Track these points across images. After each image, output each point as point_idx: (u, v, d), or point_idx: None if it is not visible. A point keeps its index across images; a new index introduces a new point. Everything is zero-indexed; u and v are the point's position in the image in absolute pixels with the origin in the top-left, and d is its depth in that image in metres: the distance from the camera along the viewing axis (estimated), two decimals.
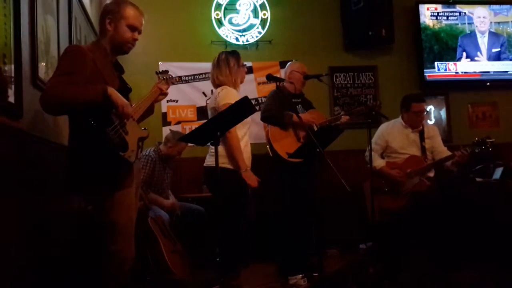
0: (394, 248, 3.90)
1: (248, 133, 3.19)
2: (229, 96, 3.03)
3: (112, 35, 2.23)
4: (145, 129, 2.31)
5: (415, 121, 3.99)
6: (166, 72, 2.56)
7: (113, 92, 2.02)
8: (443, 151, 3.96)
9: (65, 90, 1.94)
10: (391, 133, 4.06)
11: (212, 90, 4.98)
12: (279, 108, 3.65)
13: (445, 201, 3.89)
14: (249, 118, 3.09)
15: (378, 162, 3.99)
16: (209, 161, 3.09)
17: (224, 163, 3.01)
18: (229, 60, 3.20)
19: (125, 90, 2.20)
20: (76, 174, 2.03)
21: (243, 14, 5.14)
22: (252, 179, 3.00)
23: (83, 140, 2.00)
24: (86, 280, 2.19)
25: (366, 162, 3.98)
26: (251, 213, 3.25)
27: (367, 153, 4.02)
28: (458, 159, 3.78)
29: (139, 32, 2.29)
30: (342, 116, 3.90)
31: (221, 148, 2.91)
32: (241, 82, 3.29)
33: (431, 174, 3.98)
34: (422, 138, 4.01)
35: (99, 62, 2.14)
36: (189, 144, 3.80)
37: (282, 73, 4.40)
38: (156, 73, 2.54)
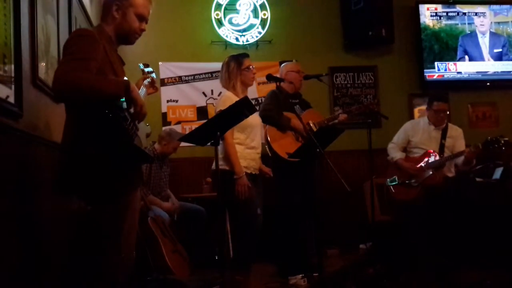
0: (396, 246, 3.92)
1: (253, 137, 3.16)
2: (224, 103, 2.99)
3: (119, 23, 2.07)
4: (147, 125, 2.27)
5: (437, 120, 4.10)
6: (147, 65, 2.47)
7: (134, 88, 1.89)
8: None
9: (86, 78, 1.75)
10: (414, 128, 4.19)
11: (212, 90, 5.04)
12: (277, 108, 3.66)
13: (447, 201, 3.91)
14: (254, 122, 3.10)
15: (395, 155, 4.14)
16: (219, 164, 3.06)
17: (222, 165, 3.02)
18: (229, 64, 3.20)
19: None
20: (80, 174, 1.83)
21: (243, 14, 5.14)
22: (241, 189, 2.96)
23: (95, 136, 1.80)
24: (85, 282, 2.16)
25: (388, 154, 4.19)
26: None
27: (388, 146, 4.21)
28: (467, 156, 3.85)
29: (146, 22, 2.14)
30: (340, 115, 3.93)
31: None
32: (247, 84, 3.23)
33: (451, 174, 4.01)
34: (443, 136, 4.10)
35: (108, 50, 1.98)
36: (189, 144, 3.80)
37: (281, 72, 4.40)
38: (140, 66, 2.44)
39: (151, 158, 2.03)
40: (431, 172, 3.94)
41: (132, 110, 1.93)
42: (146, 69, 2.41)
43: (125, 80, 1.89)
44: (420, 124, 4.20)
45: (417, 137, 4.13)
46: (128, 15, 2.07)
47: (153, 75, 2.41)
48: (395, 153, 4.15)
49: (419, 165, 3.99)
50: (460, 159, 3.95)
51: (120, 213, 1.97)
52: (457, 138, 4.13)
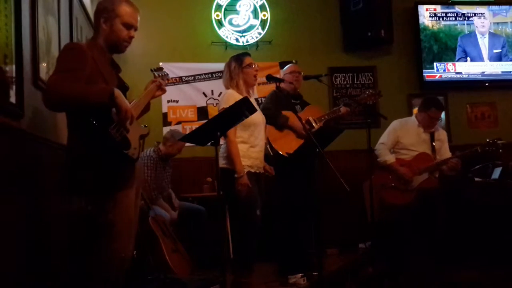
0: (395, 246, 3.92)
1: (257, 134, 3.15)
2: (227, 100, 3.00)
3: (108, 34, 2.18)
4: (145, 126, 2.31)
5: (428, 124, 4.07)
6: (161, 69, 2.57)
7: (119, 94, 1.98)
8: (447, 156, 4.03)
9: (71, 87, 1.89)
10: (403, 129, 4.13)
11: (212, 91, 5.06)
12: (277, 107, 3.67)
13: (447, 200, 3.92)
14: (257, 120, 3.10)
15: (388, 157, 4.05)
16: (221, 163, 3.08)
17: (225, 163, 3.05)
18: (230, 64, 3.18)
19: (122, 88, 2.16)
20: (77, 175, 2.00)
21: (243, 15, 5.16)
22: (241, 188, 2.97)
23: (84, 139, 1.97)
24: (85, 280, 2.19)
25: (376, 156, 4.08)
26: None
27: (377, 147, 4.12)
28: (452, 165, 3.87)
29: (135, 29, 2.24)
30: (342, 108, 3.91)
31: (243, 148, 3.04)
32: (250, 83, 3.20)
33: (436, 174, 4.03)
34: (432, 138, 4.09)
35: (98, 60, 2.10)
36: (189, 144, 3.82)
37: (281, 74, 4.42)
38: (151, 70, 2.53)
39: (131, 159, 2.09)
40: (427, 176, 3.93)
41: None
42: (157, 73, 2.51)
43: (110, 87, 2.00)
44: (408, 125, 4.15)
45: (407, 139, 4.07)
46: (115, 25, 2.17)
47: (169, 76, 2.56)
48: (386, 155, 4.05)
49: (414, 170, 3.94)
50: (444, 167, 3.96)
51: (116, 212, 2.06)
52: (443, 141, 4.14)
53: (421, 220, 3.82)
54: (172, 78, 4.98)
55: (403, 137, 4.09)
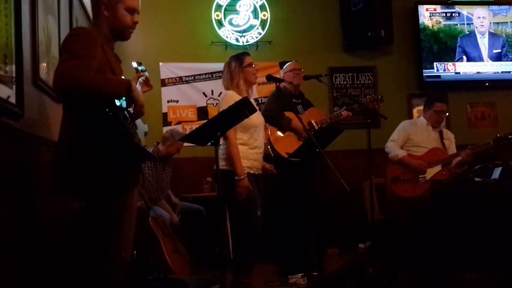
0: (396, 245, 3.93)
1: (256, 136, 3.14)
2: (227, 102, 2.98)
3: (111, 21, 2.04)
4: (144, 124, 2.28)
5: (436, 121, 4.11)
6: (140, 63, 2.47)
7: (135, 88, 1.87)
8: None
9: (90, 76, 1.76)
10: (413, 127, 4.18)
11: (212, 91, 5.07)
12: (279, 108, 3.67)
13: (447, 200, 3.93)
14: (257, 121, 3.10)
15: (399, 152, 4.08)
16: (221, 164, 3.07)
17: (224, 165, 3.04)
18: (230, 64, 3.16)
19: None
20: (79, 173, 1.85)
21: (243, 15, 5.17)
22: (242, 190, 2.96)
23: (96, 135, 1.81)
24: (84, 281, 2.17)
25: (387, 153, 4.11)
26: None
27: (387, 145, 4.14)
28: (464, 158, 3.91)
29: (138, 13, 2.09)
30: (344, 112, 3.92)
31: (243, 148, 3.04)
32: (251, 82, 3.19)
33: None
34: (441, 137, 4.13)
35: (106, 48, 1.98)
36: (189, 144, 3.82)
37: (281, 74, 4.43)
38: (134, 64, 2.44)
39: (152, 156, 2.03)
40: (440, 167, 3.95)
41: (131, 109, 1.92)
42: (140, 68, 2.40)
43: (127, 79, 1.89)
44: (417, 124, 4.20)
45: (418, 136, 4.11)
46: (118, 11, 2.03)
47: (146, 73, 2.40)
48: (398, 150, 4.08)
49: (428, 161, 3.97)
50: (454, 162, 3.99)
51: (119, 213, 1.98)
52: (452, 141, 4.17)
53: (434, 213, 3.82)
54: (172, 78, 4.99)
55: (413, 134, 4.13)
